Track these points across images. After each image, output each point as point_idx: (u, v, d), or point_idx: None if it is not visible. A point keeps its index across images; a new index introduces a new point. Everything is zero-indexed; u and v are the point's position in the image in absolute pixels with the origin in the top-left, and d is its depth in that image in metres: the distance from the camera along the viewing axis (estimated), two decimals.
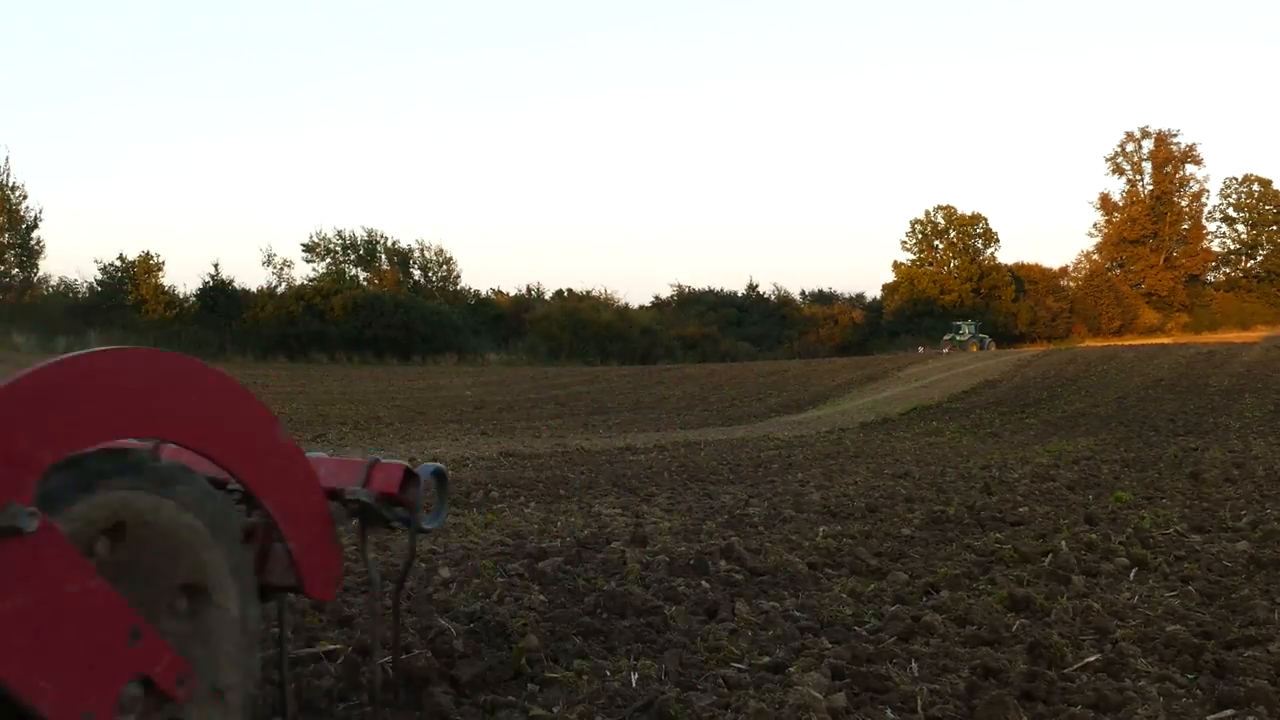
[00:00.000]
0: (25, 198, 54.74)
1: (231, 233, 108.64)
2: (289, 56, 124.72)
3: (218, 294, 60.26)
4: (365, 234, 74.22)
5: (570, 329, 66.12)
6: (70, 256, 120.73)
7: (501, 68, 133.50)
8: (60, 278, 61.23)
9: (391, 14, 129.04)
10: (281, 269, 68.80)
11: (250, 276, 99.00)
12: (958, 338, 63.84)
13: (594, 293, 76.10)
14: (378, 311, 60.31)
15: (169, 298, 58.68)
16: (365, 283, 71.24)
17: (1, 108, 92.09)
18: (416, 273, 75.44)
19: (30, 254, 55.69)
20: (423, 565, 5.91)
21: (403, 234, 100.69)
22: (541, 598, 5.05)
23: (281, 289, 64.50)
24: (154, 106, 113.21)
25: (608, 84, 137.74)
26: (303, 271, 72.79)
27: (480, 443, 17.63)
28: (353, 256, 73.87)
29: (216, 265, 66.83)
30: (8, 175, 54.26)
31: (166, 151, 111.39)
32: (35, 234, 55.42)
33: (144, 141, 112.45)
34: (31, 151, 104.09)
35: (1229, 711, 3.42)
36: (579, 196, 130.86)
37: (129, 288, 57.70)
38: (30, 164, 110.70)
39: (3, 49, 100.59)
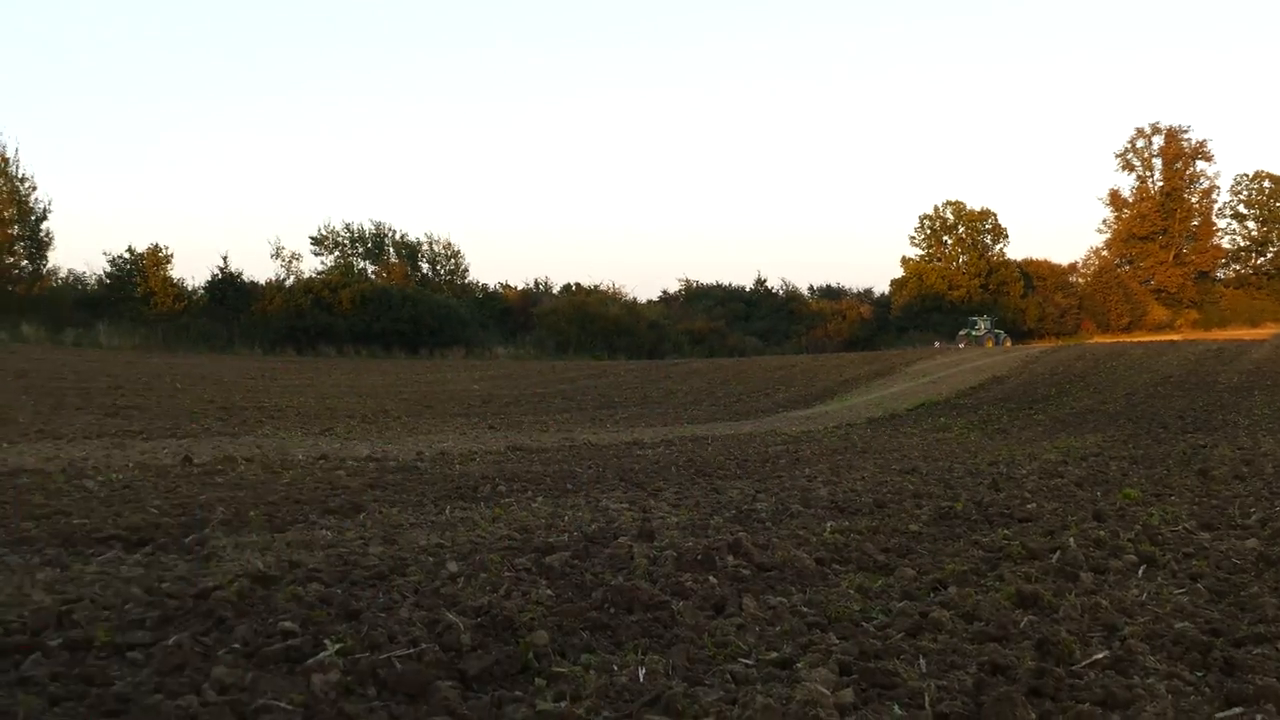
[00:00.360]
0: (34, 189, 54.84)
1: (240, 226, 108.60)
2: (297, 51, 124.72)
3: (226, 286, 60.29)
4: (373, 227, 74.23)
5: (578, 323, 66.02)
6: (79, 249, 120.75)
7: (510, 63, 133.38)
8: (69, 270, 61.21)
9: (399, 9, 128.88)
10: (290, 262, 68.89)
11: (258, 269, 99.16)
12: (973, 333, 63.66)
13: (602, 287, 76.00)
14: (385, 305, 60.27)
15: (178, 290, 58.69)
16: (373, 276, 71.19)
17: (11, 100, 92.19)
18: (424, 266, 75.31)
19: (39, 246, 55.74)
20: (430, 559, 5.92)
21: (411, 227, 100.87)
22: (549, 592, 5.05)
23: (289, 282, 64.54)
24: (164, 100, 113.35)
25: (616, 79, 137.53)
26: (311, 264, 72.52)
27: (488, 436, 17.64)
28: (361, 250, 73.81)
29: (225, 258, 67.01)
30: (17, 167, 54.32)
31: (176, 145, 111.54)
32: (44, 226, 55.51)
33: (154, 134, 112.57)
34: (41, 144, 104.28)
35: (1238, 709, 3.41)
36: (587, 191, 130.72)
37: (138, 280, 57.70)
38: (40, 156, 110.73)
39: (12, 42, 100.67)
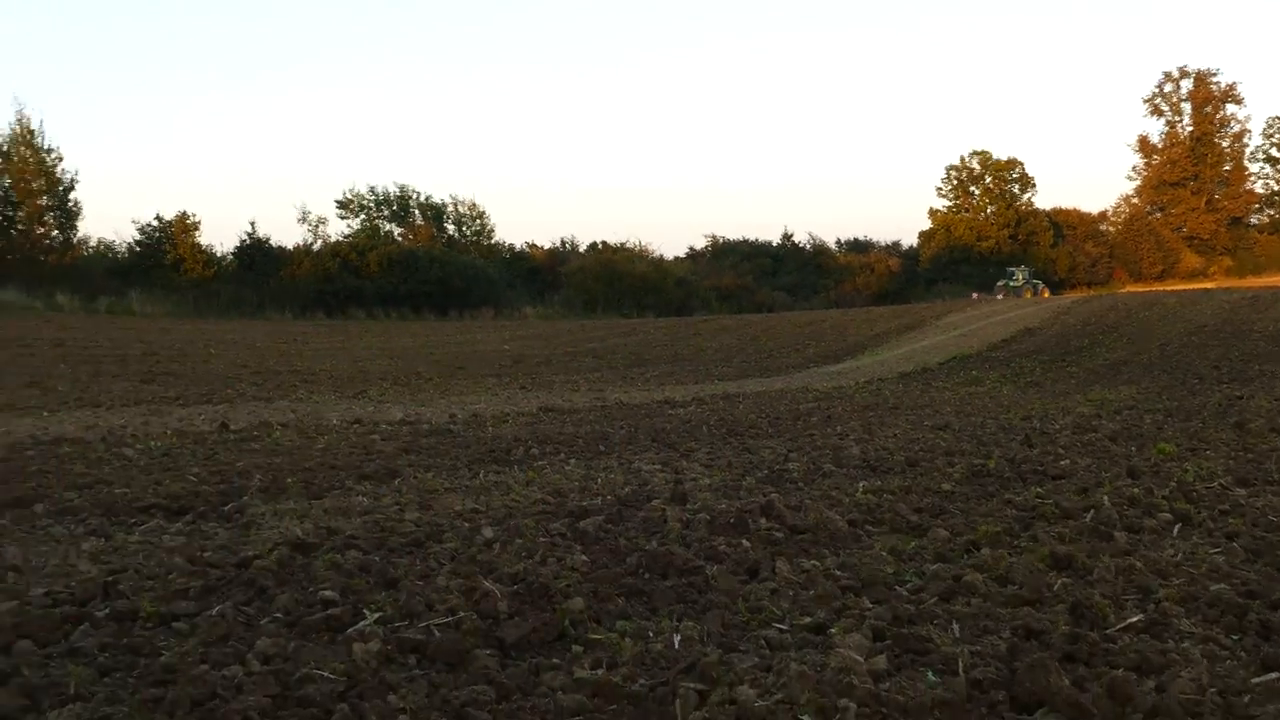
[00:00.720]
0: (61, 160, 55.24)
1: (266, 191, 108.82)
2: (318, 16, 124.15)
3: (255, 252, 60.62)
4: (398, 190, 74.36)
5: (605, 281, 66.05)
6: (108, 217, 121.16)
7: (530, 21, 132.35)
8: (99, 239, 61.79)
9: None
10: (316, 226, 69.13)
11: (286, 234, 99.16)
12: (1011, 284, 62.99)
13: (628, 245, 76.06)
14: (413, 267, 60.45)
15: (207, 256, 59.10)
16: (400, 238, 71.41)
17: (33, 71, 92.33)
18: (451, 228, 75.44)
19: (69, 215, 56.19)
20: (465, 525, 5.98)
21: (435, 189, 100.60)
22: (584, 558, 5.09)
23: (317, 246, 64.79)
24: (185, 68, 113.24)
25: (635, 35, 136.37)
26: (337, 228, 73.06)
27: (519, 397, 17.72)
28: (386, 212, 74.02)
29: (253, 224, 67.34)
30: (43, 139, 54.69)
31: (200, 112, 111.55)
32: (72, 196, 55.92)
33: (176, 103, 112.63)
34: (65, 114, 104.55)
35: (1274, 674, 3.41)
36: (611, 148, 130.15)
37: (167, 247, 58.14)
38: (65, 127, 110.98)
39: (35, 9, 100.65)
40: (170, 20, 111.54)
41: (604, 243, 77.51)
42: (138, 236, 59.48)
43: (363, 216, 73.23)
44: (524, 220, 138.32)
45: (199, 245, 59.15)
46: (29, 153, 54.03)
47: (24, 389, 17.40)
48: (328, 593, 4.44)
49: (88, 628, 4.07)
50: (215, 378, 21.19)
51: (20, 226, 53.50)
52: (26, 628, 4.06)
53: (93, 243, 60.68)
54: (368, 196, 73.47)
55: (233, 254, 61.08)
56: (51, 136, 60.88)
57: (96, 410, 14.40)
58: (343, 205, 73.15)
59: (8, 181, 53.13)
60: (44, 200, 54.38)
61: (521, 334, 43.41)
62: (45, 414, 13.71)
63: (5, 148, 53.39)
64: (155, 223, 59.31)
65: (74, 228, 57.18)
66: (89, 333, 33.42)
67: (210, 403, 16.03)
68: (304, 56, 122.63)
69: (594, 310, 61.94)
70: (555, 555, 5.15)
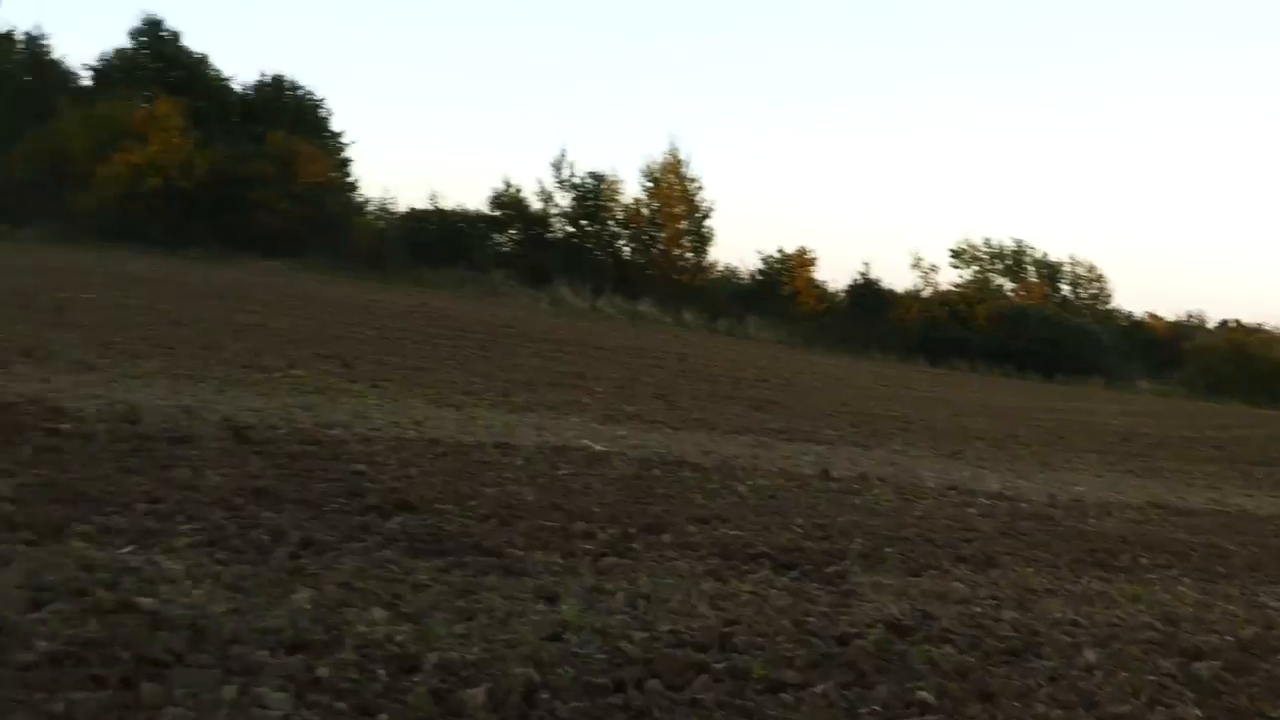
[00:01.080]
0: (701, 189, 60.64)
1: (880, 233, 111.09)
2: (945, 54, 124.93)
3: (865, 292, 62.37)
4: (1014, 244, 73.08)
5: (1235, 363, 60.31)
6: (735, 245, 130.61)
7: (1177, 67, 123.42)
8: (725, 265, 66.73)
9: (1065, 8, 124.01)
10: (927, 273, 69.65)
11: (895, 278, 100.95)
12: None
13: (1266, 326, 68.90)
14: (1022, 325, 59.00)
15: (820, 291, 61.73)
16: (1011, 294, 70.13)
17: (687, 101, 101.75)
18: (1065, 288, 72.87)
19: (702, 240, 61.27)
20: (1065, 639, 5.76)
21: (1052, 247, 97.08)
22: (1197, 712, 4.71)
23: (926, 293, 65.32)
24: (813, 109, 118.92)
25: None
26: (947, 276, 73.00)
27: (1125, 483, 16.65)
28: (999, 266, 73.00)
29: (866, 264, 68.95)
30: (688, 169, 60.40)
31: (823, 151, 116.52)
32: (707, 223, 61.06)
33: (803, 141, 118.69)
34: (705, 146, 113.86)
35: None
36: (1257, 211, 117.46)
37: (785, 279, 61.52)
38: (705, 158, 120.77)
39: (691, 59, 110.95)
40: (802, 65, 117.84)
41: (1238, 321, 70.91)
42: (760, 266, 63.62)
43: (975, 268, 72.77)
44: (1146, 286, 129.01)
45: (814, 280, 61.98)
46: (676, 180, 60.04)
47: (651, 400, 19.13)
48: (924, 694, 4.50)
49: (707, 680, 4.44)
50: (816, 414, 22.00)
51: (661, 246, 59.50)
52: (657, 665, 4.53)
53: (719, 267, 65.74)
54: (981, 249, 72.98)
55: (844, 292, 63.29)
56: (696, 167, 67.05)
57: (711, 433, 15.52)
58: (956, 255, 73.14)
59: (656, 205, 59.39)
60: (683, 224, 59.98)
61: (1133, 410, 40.69)
62: (668, 430, 15.05)
63: (657, 175, 59.76)
64: (776, 255, 63.12)
65: (705, 252, 62.34)
66: (709, 352, 36.16)
67: (812, 441, 16.67)
68: (922, 103, 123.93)
69: (1219, 394, 56.67)
70: (1164, 700, 4.82)
